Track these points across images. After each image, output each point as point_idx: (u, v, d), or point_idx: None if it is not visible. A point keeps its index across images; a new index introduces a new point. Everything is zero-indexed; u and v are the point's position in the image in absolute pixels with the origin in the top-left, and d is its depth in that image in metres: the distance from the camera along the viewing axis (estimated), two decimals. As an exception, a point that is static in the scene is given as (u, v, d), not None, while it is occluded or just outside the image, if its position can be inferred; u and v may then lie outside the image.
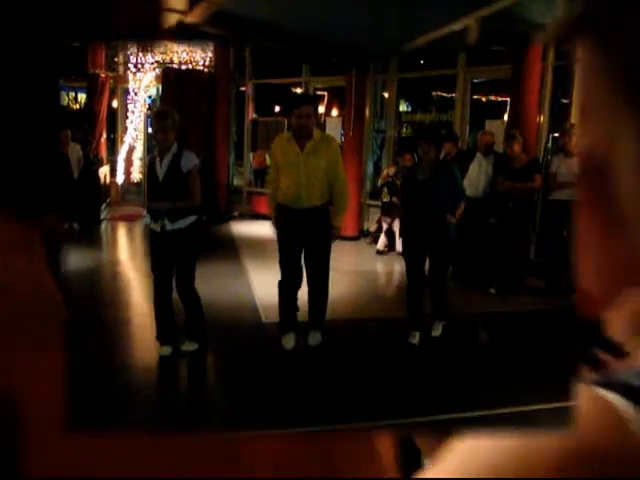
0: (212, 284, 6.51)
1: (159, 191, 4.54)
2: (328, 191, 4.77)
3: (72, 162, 9.93)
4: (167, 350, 4.69)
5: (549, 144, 7.85)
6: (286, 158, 4.73)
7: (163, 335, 4.73)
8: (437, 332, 5.20)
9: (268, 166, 13.43)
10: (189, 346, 4.69)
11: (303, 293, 5.02)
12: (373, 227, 9.84)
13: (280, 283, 4.96)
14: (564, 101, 8.01)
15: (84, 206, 10.31)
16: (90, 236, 9.94)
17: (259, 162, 12.65)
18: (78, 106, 13.59)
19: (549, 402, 4.06)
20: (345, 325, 5.58)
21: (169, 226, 4.52)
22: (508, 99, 7.86)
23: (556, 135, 7.56)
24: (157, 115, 4.54)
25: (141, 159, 12.38)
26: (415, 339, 5.06)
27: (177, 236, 4.54)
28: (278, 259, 4.91)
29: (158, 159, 4.50)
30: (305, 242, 4.80)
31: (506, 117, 8.18)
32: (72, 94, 14.02)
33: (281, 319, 5.02)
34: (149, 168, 4.60)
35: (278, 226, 4.89)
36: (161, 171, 4.48)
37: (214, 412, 4.01)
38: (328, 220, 4.86)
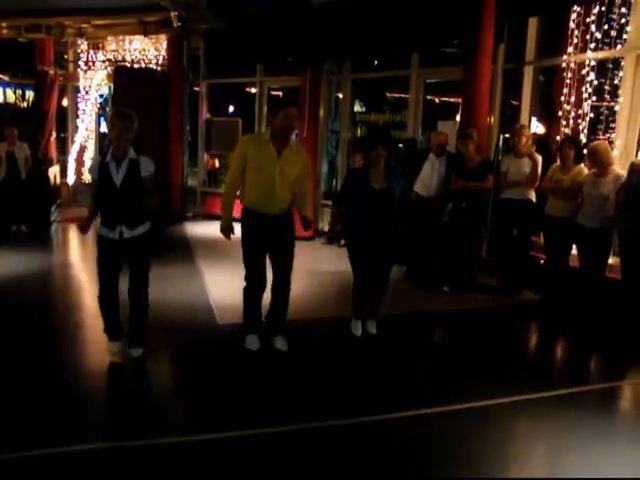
0: (167, 286, 6.42)
1: (116, 197, 4.33)
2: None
3: (19, 161, 9.62)
4: (118, 346, 4.66)
5: (500, 144, 8.01)
6: (261, 161, 4.54)
7: (113, 331, 4.68)
8: (374, 329, 5.38)
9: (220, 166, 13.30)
10: (135, 352, 4.61)
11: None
12: (327, 227, 9.87)
13: (246, 289, 4.86)
14: (514, 103, 8.19)
15: (33, 208, 10.03)
16: (40, 239, 9.68)
17: (214, 163, 12.52)
18: (26, 104, 13.19)
19: (503, 396, 4.16)
20: (303, 325, 5.58)
21: (127, 234, 4.40)
22: (460, 100, 7.97)
23: (506, 136, 7.71)
24: (122, 114, 4.30)
25: (93, 159, 12.10)
26: (359, 330, 5.32)
27: (134, 243, 4.43)
28: (245, 265, 4.76)
29: (114, 164, 4.29)
30: (273, 247, 4.73)
31: (458, 118, 8.31)
32: (19, 91, 13.61)
33: (246, 322, 4.97)
34: (101, 172, 4.32)
35: (246, 232, 4.71)
36: (118, 177, 4.29)
37: (172, 415, 3.96)
38: (294, 224, 4.82)
